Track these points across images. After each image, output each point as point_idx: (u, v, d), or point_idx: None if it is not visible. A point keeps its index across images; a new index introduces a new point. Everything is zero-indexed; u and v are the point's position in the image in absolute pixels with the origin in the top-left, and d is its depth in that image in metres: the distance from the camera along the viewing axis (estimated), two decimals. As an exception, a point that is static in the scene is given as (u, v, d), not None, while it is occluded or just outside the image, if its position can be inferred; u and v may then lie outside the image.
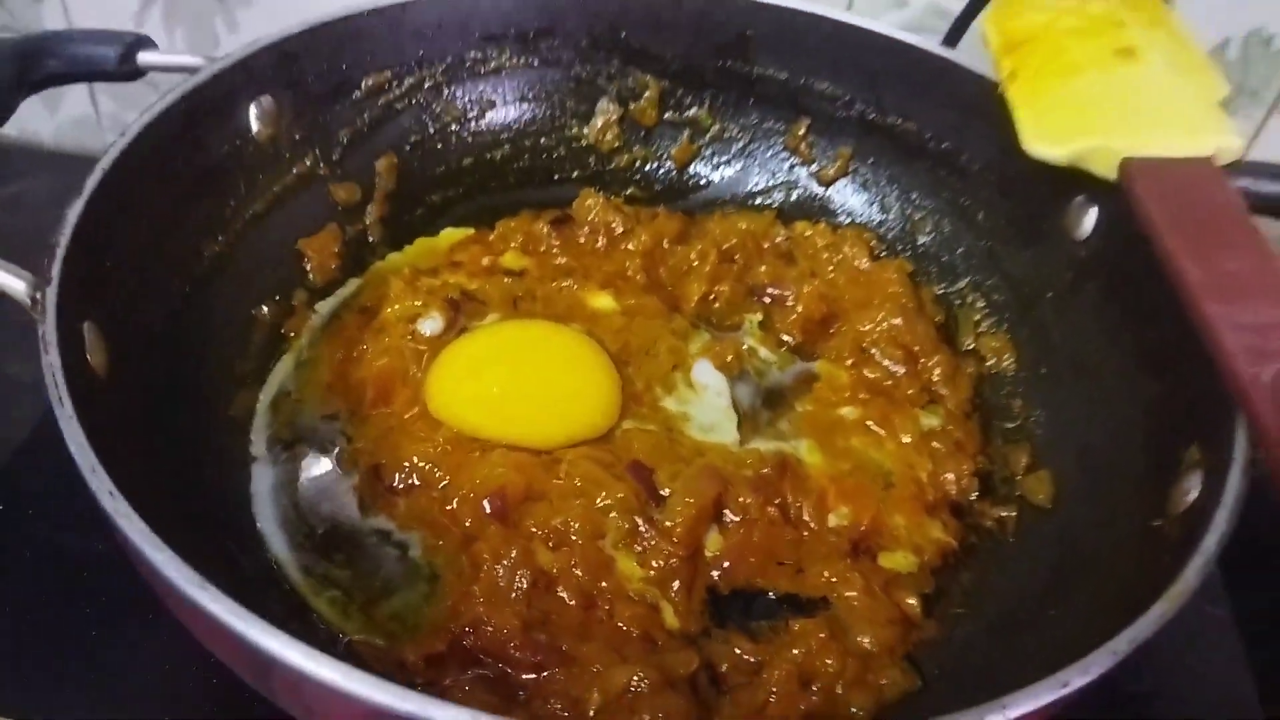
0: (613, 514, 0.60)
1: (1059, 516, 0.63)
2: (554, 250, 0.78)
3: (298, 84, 0.71)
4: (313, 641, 0.38)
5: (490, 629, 0.54)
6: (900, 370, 0.71)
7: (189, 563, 0.40)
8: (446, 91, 0.80)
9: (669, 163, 0.86)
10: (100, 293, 0.55)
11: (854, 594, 0.59)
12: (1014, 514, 0.64)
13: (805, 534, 0.62)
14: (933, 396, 0.71)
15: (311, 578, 0.58)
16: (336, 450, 0.64)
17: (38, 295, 0.50)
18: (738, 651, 0.56)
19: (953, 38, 0.81)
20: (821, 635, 0.56)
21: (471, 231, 0.79)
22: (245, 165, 0.69)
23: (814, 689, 0.54)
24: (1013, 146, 0.73)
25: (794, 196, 0.85)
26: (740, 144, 0.85)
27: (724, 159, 0.86)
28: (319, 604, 0.56)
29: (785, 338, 0.75)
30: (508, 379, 0.67)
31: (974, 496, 0.66)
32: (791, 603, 0.60)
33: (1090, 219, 0.68)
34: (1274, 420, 0.45)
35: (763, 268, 0.78)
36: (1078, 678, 0.40)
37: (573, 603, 0.56)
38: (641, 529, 0.59)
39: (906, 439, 0.68)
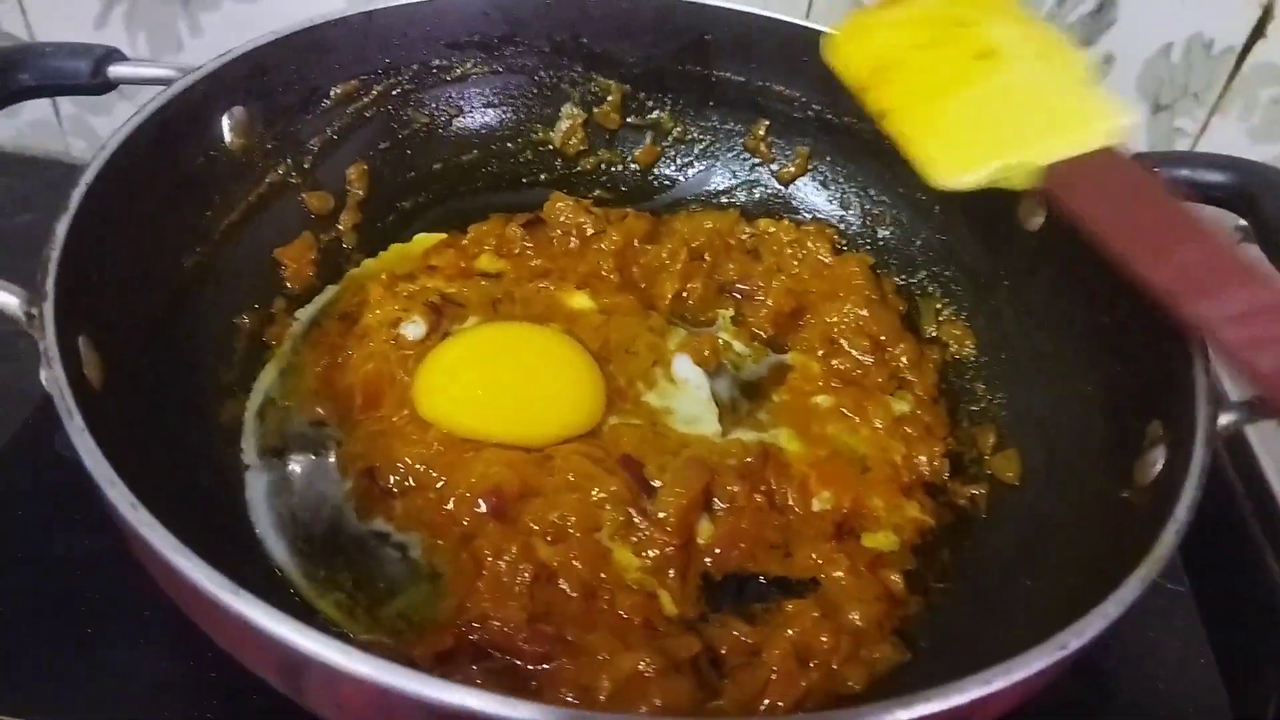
0: (607, 507, 0.61)
1: (1028, 492, 0.66)
2: (528, 252, 0.79)
3: (268, 94, 0.71)
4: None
5: (497, 623, 0.55)
6: (868, 359, 0.74)
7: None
8: (414, 99, 0.81)
9: (634, 165, 0.88)
10: (90, 306, 0.55)
11: (841, 574, 0.61)
12: (985, 492, 0.67)
13: (791, 518, 0.64)
14: (901, 383, 0.74)
15: (315, 581, 0.58)
16: (328, 455, 0.65)
17: (34, 310, 0.50)
18: (735, 634, 0.58)
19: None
20: (814, 614, 0.58)
21: (444, 236, 0.80)
22: (220, 176, 0.69)
23: (811, 666, 0.56)
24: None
25: (757, 195, 0.87)
26: (702, 145, 0.88)
27: (687, 160, 0.88)
28: (324, 606, 0.57)
29: (757, 331, 0.77)
30: (496, 379, 0.68)
31: (946, 476, 0.69)
32: (781, 585, 0.62)
33: (1041, 211, 0.72)
34: None
35: (731, 265, 0.81)
36: (1074, 640, 0.43)
37: (574, 594, 0.58)
38: (635, 520, 0.61)
39: (879, 424, 0.70)
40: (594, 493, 0.62)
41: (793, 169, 0.86)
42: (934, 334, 0.78)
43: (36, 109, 1.07)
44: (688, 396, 0.71)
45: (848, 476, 0.67)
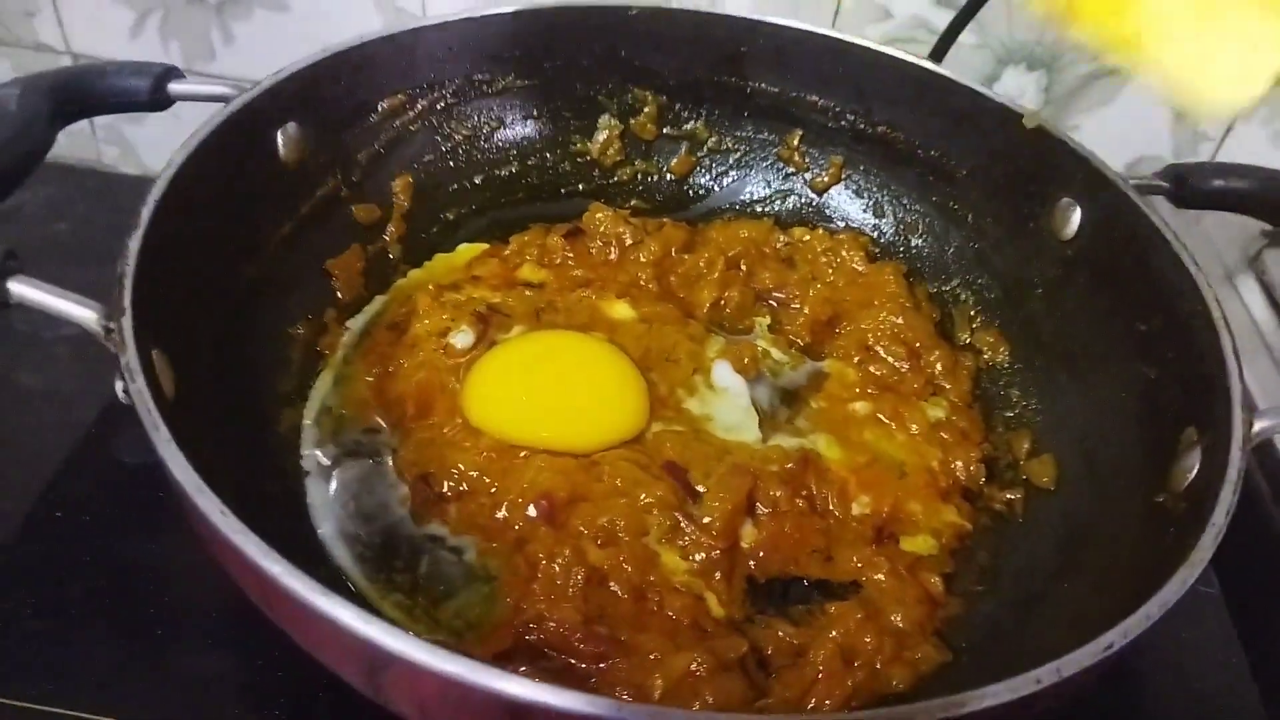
0: (654, 512, 0.63)
1: (1063, 497, 0.67)
2: (569, 262, 0.81)
3: (320, 109, 0.73)
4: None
5: (553, 624, 0.57)
6: (904, 366, 0.76)
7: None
8: (457, 112, 0.83)
9: (669, 175, 0.90)
10: (161, 319, 0.56)
11: (881, 577, 0.63)
12: (1021, 496, 0.69)
13: (831, 522, 0.66)
14: (936, 389, 0.76)
15: (375, 583, 0.60)
16: (384, 461, 0.67)
17: (111, 326, 0.52)
18: (781, 635, 0.60)
19: (937, 54, 0.86)
20: (857, 616, 0.60)
21: (486, 246, 0.82)
22: (274, 190, 0.71)
23: (856, 666, 0.58)
24: (996, 152, 0.78)
25: (790, 204, 0.89)
26: (737, 155, 0.90)
27: (722, 170, 0.90)
28: (386, 607, 0.59)
29: (794, 339, 0.79)
30: (544, 387, 0.70)
31: (983, 482, 0.70)
32: (823, 588, 0.64)
33: (1075, 219, 0.73)
34: None
35: (766, 274, 0.82)
36: (1119, 640, 0.45)
37: (625, 596, 0.59)
38: (682, 524, 0.63)
39: (915, 430, 0.72)
40: (641, 498, 0.64)
41: (826, 178, 0.88)
42: (968, 341, 0.79)
43: (70, 117, 1.09)
44: (728, 404, 0.72)
45: (886, 481, 0.68)
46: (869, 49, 0.81)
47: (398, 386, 0.70)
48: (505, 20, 0.81)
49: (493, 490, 0.64)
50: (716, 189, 0.90)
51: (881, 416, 0.73)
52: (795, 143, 0.88)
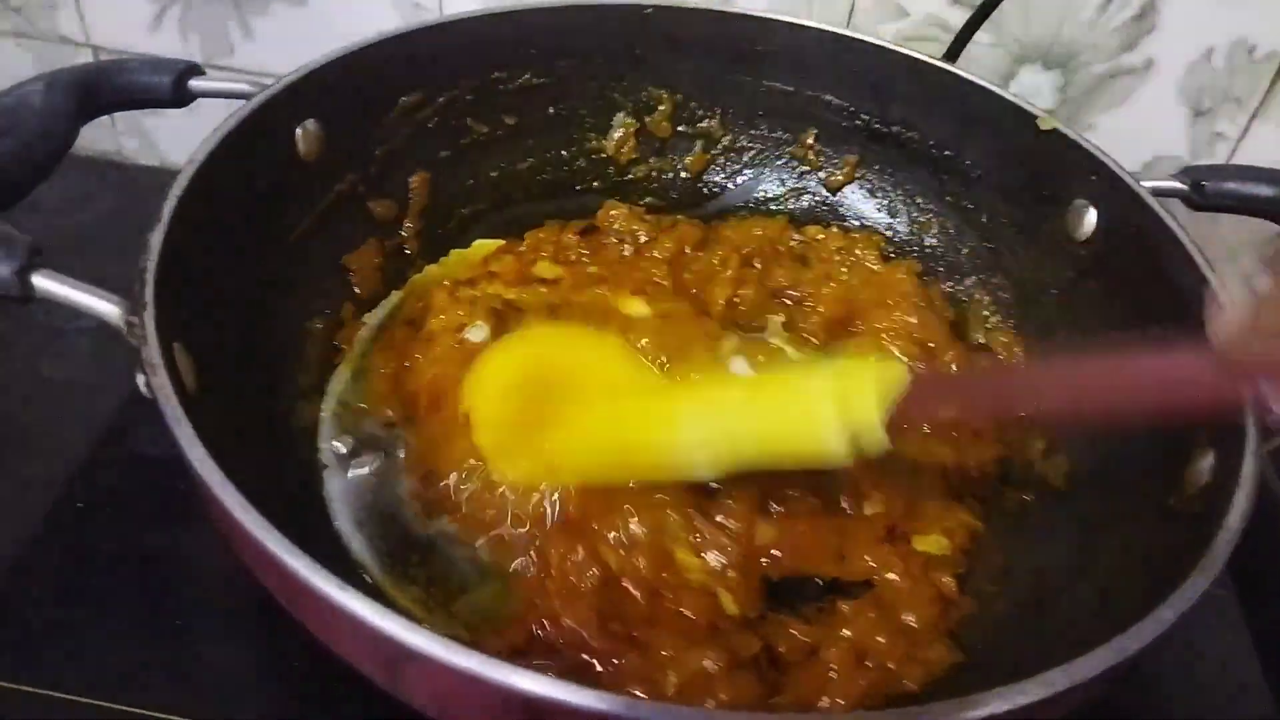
0: (669, 509, 0.63)
1: (1076, 498, 0.67)
2: (584, 259, 0.81)
3: (339, 107, 0.73)
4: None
5: (568, 622, 0.57)
6: (919, 365, 0.76)
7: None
8: (474, 109, 0.83)
9: (684, 172, 0.90)
10: (182, 314, 0.57)
11: (894, 576, 0.63)
12: (1034, 497, 0.69)
13: (845, 520, 0.66)
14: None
15: (392, 576, 0.61)
16: (398, 456, 0.67)
17: (134, 320, 0.53)
18: (794, 633, 0.60)
19: (953, 54, 0.86)
20: (871, 615, 0.60)
21: (502, 242, 0.82)
22: (292, 185, 0.72)
23: (868, 665, 0.58)
24: (1011, 153, 0.78)
25: (805, 202, 0.89)
26: (751, 153, 0.90)
27: (736, 168, 0.90)
28: (403, 601, 0.59)
29: (809, 337, 0.79)
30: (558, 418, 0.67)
31: (996, 481, 0.71)
32: (835, 587, 0.64)
33: (1090, 220, 0.73)
34: None
35: (780, 272, 0.82)
36: (1134, 644, 0.45)
37: (639, 595, 0.60)
38: (697, 523, 0.63)
39: (927, 429, 0.72)
40: (655, 496, 0.64)
41: (841, 177, 0.88)
42: (982, 340, 0.79)
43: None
44: (743, 401, 0.73)
45: (898, 480, 0.69)
46: (884, 48, 0.82)
47: (413, 381, 0.70)
48: (523, 18, 0.81)
49: (501, 490, 0.64)
50: (731, 187, 0.90)
51: (895, 416, 0.73)
52: (810, 141, 0.88)
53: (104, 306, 0.54)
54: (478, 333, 0.72)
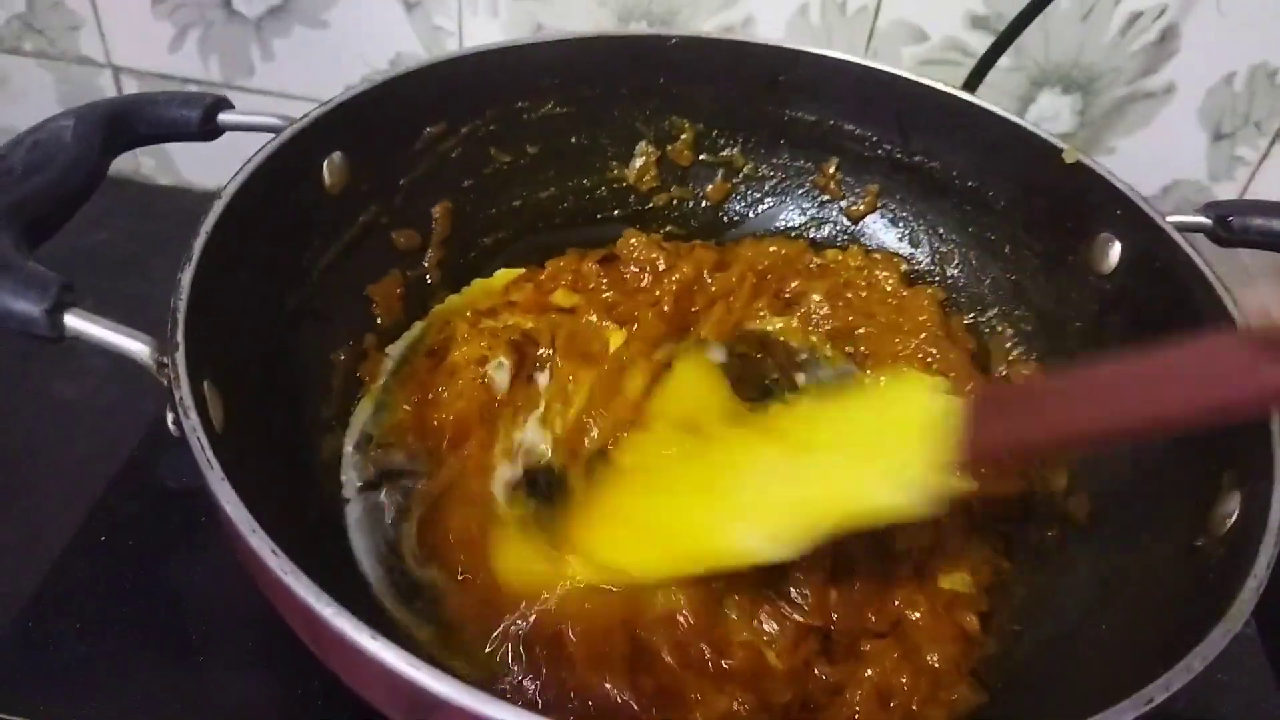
0: (725, 599, 0.60)
1: (1100, 535, 0.67)
2: (602, 286, 0.81)
3: (365, 139, 0.74)
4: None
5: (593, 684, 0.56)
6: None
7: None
8: (497, 138, 0.83)
9: (705, 201, 0.90)
10: (211, 350, 0.57)
11: (919, 615, 0.63)
12: (1057, 534, 0.69)
13: (886, 567, 0.65)
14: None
15: (412, 613, 0.61)
16: (416, 490, 0.67)
17: (164, 360, 0.53)
18: (817, 673, 0.60)
19: (972, 84, 0.86)
20: (895, 655, 0.60)
21: (523, 271, 0.83)
22: (318, 218, 0.72)
23: (891, 705, 0.58)
24: (1035, 185, 0.78)
25: (826, 231, 0.89)
26: (772, 182, 0.90)
27: (757, 196, 0.90)
28: (423, 638, 0.59)
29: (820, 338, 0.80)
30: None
31: (1018, 518, 0.70)
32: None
33: (1114, 254, 0.73)
34: None
35: (796, 282, 0.83)
36: (1160, 694, 0.45)
37: (674, 660, 0.58)
38: (764, 611, 0.61)
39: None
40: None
41: (862, 206, 0.88)
42: (1004, 373, 0.79)
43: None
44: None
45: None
46: (907, 79, 0.82)
47: (436, 415, 0.70)
48: (547, 49, 0.81)
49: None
50: (751, 215, 0.91)
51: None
52: (831, 171, 0.88)
53: (134, 346, 0.54)
54: (500, 372, 0.72)
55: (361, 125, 0.73)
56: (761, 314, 0.81)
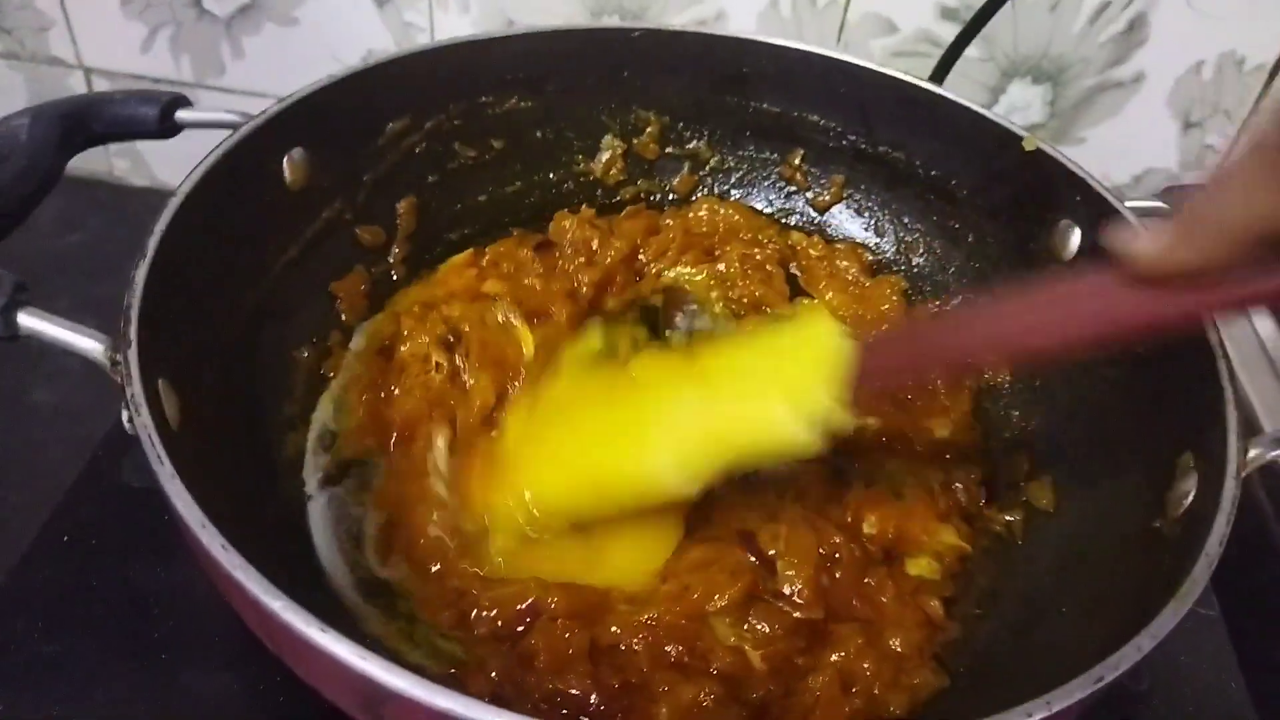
0: (713, 617, 0.60)
1: (1062, 520, 0.67)
2: (537, 274, 0.80)
3: (326, 134, 0.73)
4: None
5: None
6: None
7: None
8: (462, 133, 0.83)
9: (672, 194, 0.90)
10: (167, 348, 0.57)
11: (885, 599, 0.63)
12: (1020, 519, 0.69)
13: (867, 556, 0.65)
14: (938, 409, 0.76)
15: (376, 608, 0.61)
16: (370, 491, 0.67)
17: (118, 358, 0.53)
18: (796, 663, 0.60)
19: (939, 75, 0.86)
20: (859, 640, 0.60)
21: (469, 253, 0.82)
22: (279, 215, 0.72)
23: (854, 691, 0.58)
24: (997, 173, 0.79)
25: (792, 222, 0.90)
26: (739, 174, 0.90)
27: (724, 188, 0.91)
28: (385, 633, 0.59)
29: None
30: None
31: (982, 503, 0.71)
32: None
33: (1074, 240, 0.73)
34: None
35: (729, 246, 0.85)
36: (1109, 672, 0.45)
37: (645, 664, 0.58)
38: (751, 617, 0.61)
39: (918, 448, 0.72)
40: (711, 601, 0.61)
41: (828, 197, 0.88)
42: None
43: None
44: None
45: (888, 501, 0.68)
46: (871, 70, 0.82)
47: (387, 411, 0.70)
48: (510, 43, 0.81)
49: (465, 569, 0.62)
50: (718, 207, 0.91)
51: (883, 437, 0.73)
52: (797, 162, 0.88)
53: (88, 344, 0.54)
54: (439, 372, 0.72)
55: (322, 121, 0.73)
56: (684, 266, 0.82)
